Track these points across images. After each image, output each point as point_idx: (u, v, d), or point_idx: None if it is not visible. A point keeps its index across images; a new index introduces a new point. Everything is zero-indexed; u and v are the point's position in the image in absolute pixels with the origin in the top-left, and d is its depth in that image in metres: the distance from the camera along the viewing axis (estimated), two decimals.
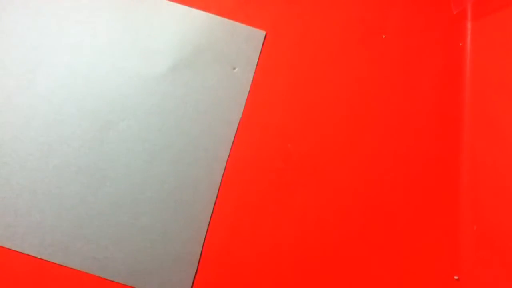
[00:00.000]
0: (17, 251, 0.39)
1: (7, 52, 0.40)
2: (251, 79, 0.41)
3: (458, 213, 0.42)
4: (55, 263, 0.39)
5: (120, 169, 0.40)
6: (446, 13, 0.43)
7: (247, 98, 0.41)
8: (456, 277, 0.41)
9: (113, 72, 0.40)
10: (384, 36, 0.42)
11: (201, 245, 0.39)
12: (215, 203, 0.40)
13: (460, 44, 0.43)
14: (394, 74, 0.42)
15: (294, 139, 0.42)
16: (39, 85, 0.40)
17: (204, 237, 0.39)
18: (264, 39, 0.42)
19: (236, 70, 0.40)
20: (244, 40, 0.41)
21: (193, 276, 0.38)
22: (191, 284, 0.38)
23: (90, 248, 0.40)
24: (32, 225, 0.39)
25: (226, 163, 0.40)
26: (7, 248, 0.39)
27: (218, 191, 0.40)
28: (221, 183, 0.40)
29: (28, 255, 0.39)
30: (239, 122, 0.41)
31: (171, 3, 0.41)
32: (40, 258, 0.39)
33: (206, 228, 0.39)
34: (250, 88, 0.41)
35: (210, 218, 0.39)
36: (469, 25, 0.43)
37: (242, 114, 0.41)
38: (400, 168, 0.42)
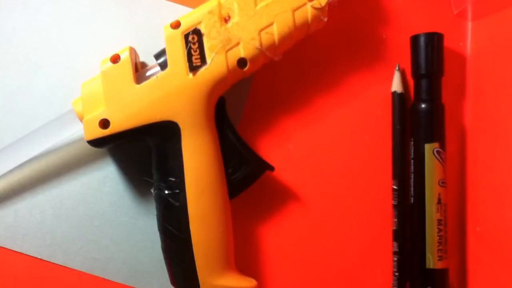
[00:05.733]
0: (17, 251, 0.39)
1: (7, 52, 0.40)
2: (251, 78, 0.41)
3: (461, 214, 0.42)
4: (55, 263, 0.39)
5: (120, 168, 0.40)
6: (446, 13, 0.43)
7: (247, 98, 0.41)
8: None
9: None
10: (384, 36, 0.42)
11: None
12: None
13: (460, 44, 0.43)
14: (394, 74, 0.42)
15: (294, 139, 0.42)
16: (39, 85, 0.40)
17: None
18: None
19: None
20: None
21: None
22: None
23: (90, 248, 0.40)
24: (32, 225, 0.39)
25: None
26: (7, 248, 0.39)
27: None
28: None
29: (28, 255, 0.39)
30: (239, 122, 0.41)
31: (171, 3, 0.40)
32: (40, 258, 0.39)
33: None
34: (250, 88, 0.41)
35: None
36: (469, 25, 0.43)
37: (242, 114, 0.41)
38: None
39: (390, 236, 0.41)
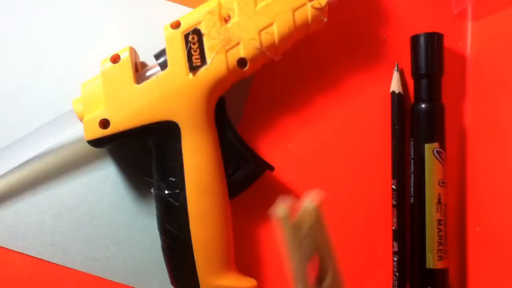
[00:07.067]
0: (17, 251, 0.39)
1: (7, 52, 0.40)
2: (251, 78, 0.41)
3: (461, 214, 0.42)
4: (55, 263, 0.39)
5: (120, 168, 0.40)
6: (446, 13, 0.43)
7: (247, 98, 0.41)
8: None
9: None
10: (384, 36, 0.42)
11: None
12: None
13: (460, 44, 0.43)
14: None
15: (294, 139, 0.42)
16: (39, 85, 0.40)
17: None
18: None
19: None
20: None
21: None
22: None
23: (90, 248, 0.40)
24: (32, 225, 0.39)
25: None
26: (7, 248, 0.39)
27: None
28: None
29: (28, 255, 0.39)
30: (239, 122, 0.41)
31: (171, 3, 0.40)
32: (40, 258, 0.39)
33: None
34: (250, 88, 0.41)
35: None
36: (469, 25, 0.43)
37: (242, 114, 0.41)
38: None
39: (390, 236, 0.41)
